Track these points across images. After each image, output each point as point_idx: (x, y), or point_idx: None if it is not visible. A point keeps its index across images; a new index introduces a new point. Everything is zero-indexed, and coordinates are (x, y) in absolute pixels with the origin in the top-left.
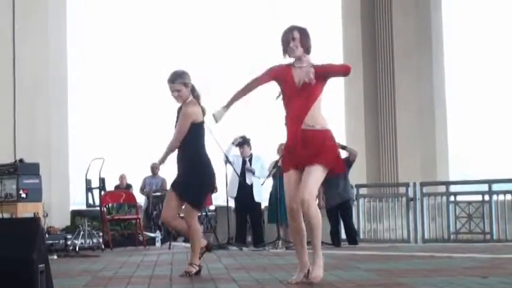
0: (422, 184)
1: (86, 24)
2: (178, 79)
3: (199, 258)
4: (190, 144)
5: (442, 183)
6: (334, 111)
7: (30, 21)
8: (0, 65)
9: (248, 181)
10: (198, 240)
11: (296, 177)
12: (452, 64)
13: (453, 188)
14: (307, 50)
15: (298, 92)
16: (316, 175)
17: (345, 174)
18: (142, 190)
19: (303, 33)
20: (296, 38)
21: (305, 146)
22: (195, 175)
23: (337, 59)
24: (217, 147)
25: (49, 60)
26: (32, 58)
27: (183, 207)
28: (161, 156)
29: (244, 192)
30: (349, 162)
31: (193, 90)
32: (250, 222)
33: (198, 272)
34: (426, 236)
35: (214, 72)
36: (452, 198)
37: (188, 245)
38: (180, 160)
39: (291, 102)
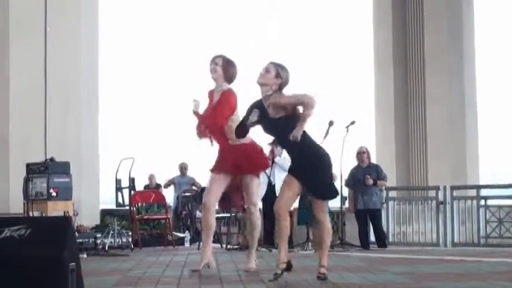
0: (453, 188)
1: (118, 24)
2: (277, 66)
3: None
4: None
5: (472, 187)
6: (365, 113)
7: (62, 21)
8: (32, 64)
9: (272, 181)
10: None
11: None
12: (484, 65)
13: (484, 192)
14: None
15: None
16: None
17: (375, 182)
18: (167, 185)
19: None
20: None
21: None
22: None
23: (368, 61)
24: None
25: (80, 59)
26: (63, 58)
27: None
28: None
29: (271, 192)
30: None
31: (280, 87)
32: None
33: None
34: (456, 240)
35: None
36: (482, 202)
37: (217, 245)
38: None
39: None
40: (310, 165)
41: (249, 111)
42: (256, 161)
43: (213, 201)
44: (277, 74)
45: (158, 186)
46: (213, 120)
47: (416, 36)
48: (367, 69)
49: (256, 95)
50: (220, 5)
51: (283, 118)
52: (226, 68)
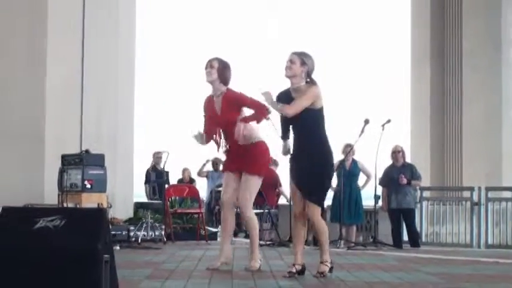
0: (488, 189)
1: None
2: (300, 54)
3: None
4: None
5: (507, 188)
6: (400, 112)
7: (99, 17)
8: (68, 59)
9: None
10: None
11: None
12: None
13: None
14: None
15: None
16: None
17: (409, 182)
18: (200, 173)
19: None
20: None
21: None
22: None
23: (405, 58)
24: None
25: (118, 55)
26: (100, 53)
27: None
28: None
29: None
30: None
31: (311, 79)
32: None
33: (330, 270)
34: (489, 242)
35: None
36: None
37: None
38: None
39: None
40: (306, 163)
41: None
42: (257, 162)
43: (226, 199)
44: (302, 62)
45: (192, 180)
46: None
47: (453, 34)
48: (405, 68)
49: (256, 95)
50: (221, 5)
51: (305, 112)
52: (222, 71)
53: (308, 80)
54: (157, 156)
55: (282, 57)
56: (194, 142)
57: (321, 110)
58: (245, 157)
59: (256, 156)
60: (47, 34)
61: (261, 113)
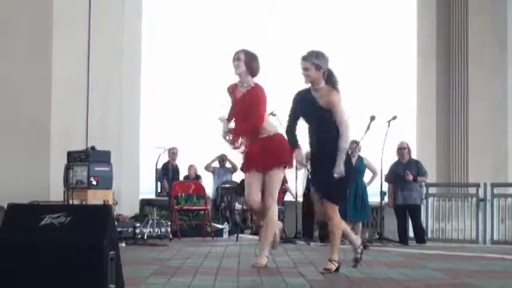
0: (493, 185)
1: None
2: (311, 58)
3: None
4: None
5: None
6: (405, 107)
7: (105, 12)
8: (74, 54)
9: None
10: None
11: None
12: None
13: None
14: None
15: None
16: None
17: (415, 178)
18: (208, 168)
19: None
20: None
21: None
22: None
23: (411, 55)
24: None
25: (123, 50)
26: (106, 48)
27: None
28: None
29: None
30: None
31: (330, 75)
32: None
33: (337, 269)
34: (495, 238)
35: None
36: None
37: (255, 237)
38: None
39: None
40: (324, 162)
41: (295, 105)
42: (280, 156)
43: (251, 200)
44: (316, 66)
45: (198, 176)
46: (245, 124)
47: (459, 31)
48: (410, 64)
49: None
50: (221, 5)
51: (326, 112)
52: (249, 63)
53: (326, 76)
54: (172, 152)
55: (283, 57)
56: (219, 127)
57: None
58: (266, 153)
59: (277, 151)
60: (52, 31)
61: (255, 124)
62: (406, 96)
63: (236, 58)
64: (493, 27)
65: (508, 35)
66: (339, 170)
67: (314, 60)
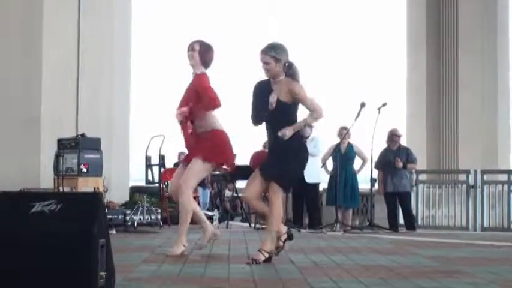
0: (483, 172)
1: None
2: (269, 51)
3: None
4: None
5: (503, 171)
6: (396, 95)
7: None
8: (64, 42)
9: None
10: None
11: None
12: None
13: None
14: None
15: None
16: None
17: (405, 165)
18: None
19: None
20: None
21: None
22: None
23: (401, 41)
24: None
25: (114, 37)
26: (96, 35)
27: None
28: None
29: None
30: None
31: (289, 67)
32: (305, 204)
33: (268, 260)
34: (485, 225)
35: None
36: None
37: (245, 224)
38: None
39: None
40: (278, 152)
41: (257, 94)
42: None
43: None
44: (276, 59)
45: None
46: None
47: (449, 16)
48: (401, 51)
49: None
50: (221, 5)
51: (286, 103)
52: (203, 54)
53: (286, 68)
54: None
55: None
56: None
57: (295, 105)
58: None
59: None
60: (42, 15)
61: (210, 104)
62: (397, 83)
63: (191, 48)
64: (483, 11)
65: (498, 20)
66: (286, 131)
67: (272, 53)
